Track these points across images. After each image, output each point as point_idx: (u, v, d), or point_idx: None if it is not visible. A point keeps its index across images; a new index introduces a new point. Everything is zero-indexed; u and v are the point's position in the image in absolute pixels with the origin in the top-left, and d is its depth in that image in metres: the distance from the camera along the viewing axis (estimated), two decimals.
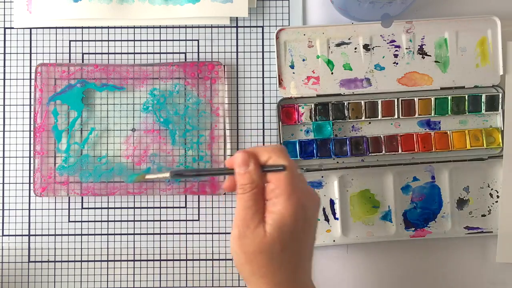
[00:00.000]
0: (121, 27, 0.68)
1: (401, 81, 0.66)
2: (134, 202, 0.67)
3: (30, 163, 0.67)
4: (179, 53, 0.67)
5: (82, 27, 0.68)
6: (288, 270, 0.52)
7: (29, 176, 0.67)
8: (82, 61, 0.68)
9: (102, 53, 0.67)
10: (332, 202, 0.66)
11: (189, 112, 0.67)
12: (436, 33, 0.66)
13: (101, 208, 0.67)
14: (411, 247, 0.67)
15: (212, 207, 0.67)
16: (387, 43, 0.66)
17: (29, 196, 0.67)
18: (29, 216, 0.67)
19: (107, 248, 0.67)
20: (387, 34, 0.66)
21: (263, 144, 0.67)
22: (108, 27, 0.68)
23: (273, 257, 0.51)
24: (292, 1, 0.68)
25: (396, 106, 0.66)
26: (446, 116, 0.66)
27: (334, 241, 0.66)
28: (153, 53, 0.67)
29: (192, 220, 0.67)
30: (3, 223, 0.66)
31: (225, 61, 0.67)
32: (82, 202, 0.67)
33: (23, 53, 0.67)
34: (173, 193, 0.66)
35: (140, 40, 0.68)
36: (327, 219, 0.66)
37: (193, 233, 0.67)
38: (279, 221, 0.50)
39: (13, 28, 0.67)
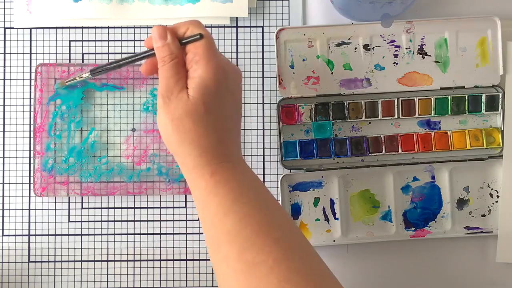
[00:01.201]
0: (121, 27, 0.68)
1: (401, 81, 0.66)
2: (134, 202, 0.67)
3: (30, 163, 0.67)
4: None
5: (82, 27, 0.68)
6: (214, 134, 0.53)
7: (29, 176, 0.67)
8: (82, 61, 0.68)
9: (102, 53, 0.67)
10: (332, 202, 0.66)
11: None
12: (436, 33, 0.66)
13: (101, 208, 0.67)
14: (411, 247, 0.67)
15: None
16: (387, 43, 0.66)
17: (29, 196, 0.67)
18: (29, 216, 0.67)
19: (107, 248, 0.67)
20: (387, 34, 0.66)
21: (263, 145, 0.67)
22: (108, 27, 0.68)
23: (199, 119, 0.52)
24: (292, 1, 0.68)
25: (396, 106, 0.66)
26: (446, 116, 0.66)
27: (334, 241, 0.66)
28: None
29: (192, 220, 0.67)
30: (3, 223, 0.66)
31: None
32: (82, 202, 0.67)
33: (23, 53, 0.67)
34: (173, 193, 0.66)
35: (140, 40, 0.68)
36: (327, 219, 0.66)
37: (193, 233, 0.67)
38: (201, 83, 0.52)
39: (13, 28, 0.67)
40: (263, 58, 0.67)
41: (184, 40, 0.53)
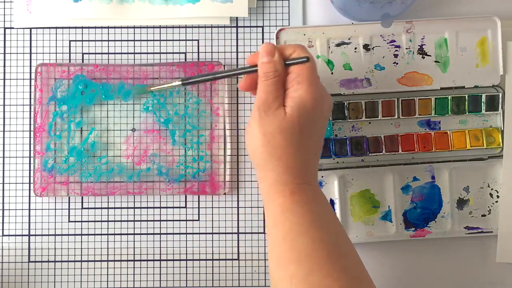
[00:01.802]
0: (121, 27, 0.68)
1: (401, 81, 0.66)
2: (134, 202, 0.67)
3: (30, 163, 0.67)
4: (179, 53, 0.67)
5: (82, 27, 0.68)
6: (302, 155, 0.54)
7: (29, 176, 0.67)
8: (82, 61, 0.68)
9: (102, 53, 0.68)
10: (332, 202, 0.66)
11: (189, 112, 0.67)
12: (436, 33, 0.66)
13: (101, 208, 0.67)
14: (411, 247, 0.67)
15: (212, 207, 0.67)
16: (387, 43, 0.66)
17: (29, 196, 0.67)
18: (29, 216, 0.67)
19: (107, 248, 0.67)
20: (387, 34, 0.66)
21: None
22: (108, 27, 0.68)
23: (292, 138, 0.53)
24: (292, 1, 0.68)
25: (396, 106, 0.66)
26: (446, 116, 0.66)
27: None
28: (153, 53, 0.67)
29: (192, 220, 0.67)
30: (3, 223, 0.66)
31: (225, 61, 0.67)
32: (82, 202, 0.67)
33: (23, 53, 0.67)
34: (173, 193, 0.66)
35: (140, 40, 0.68)
36: None
37: (193, 233, 0.67)
38: (300, 103, 0.53)
39: (13, 28, 0.67)
40: None
41: (290, 61, 0.55)
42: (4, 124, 0.67)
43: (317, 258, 0.51)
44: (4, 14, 0.68)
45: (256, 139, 0.54)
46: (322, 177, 0.66)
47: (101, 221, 0.67)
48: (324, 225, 0.53)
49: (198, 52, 0.67)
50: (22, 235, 0.66)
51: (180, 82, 0.60)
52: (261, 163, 0.54)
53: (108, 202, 0.67)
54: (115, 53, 0.67)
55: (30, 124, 0.67)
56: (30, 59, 0.67)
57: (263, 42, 0.67)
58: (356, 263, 0.53)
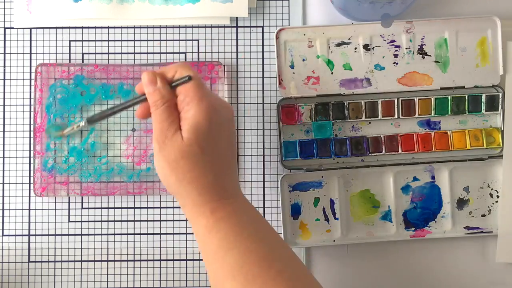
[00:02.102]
0: (121, 27, 0.68)
1: (401, 81, 0.66)
2: (134, 202, 0.67)
3: (30, 163, 0.67)
4: (179, 53, 0.67)
5: (82, 27, 0.68)
6: (212, 173, 0.53)
7: (29, 176, 0.67)
8: (82, 61, 0.68)
9: (102, 53, 0.67)
10: (332, 202, 0.66)
11: None
12: (436, 33, 0.66)
13: (101, 208, 0.67)
14: (411, 247, 0.67)
15: None
16: (387, 43, 0.66)
17: (29, 196, 0.67)
18: (29, 216, 0.67)
19: (107, 248, 0.67)
20: (387, 34, 0.66)
21: (263, 145, 0.67)
22: (108, 27, 0.68)
23: (195, 159, 0.53)
24: (292, 1, 0.68)
25: (396, 106, 0.66)
26: (446, 116, 0.66)
27: (334, 241, 0.66)
28: (153, 53, 0.67)
29: None
30: (3, 223, 0.66)
31: (225, 61, 0.67)
32: (82, 202, 0.67)
33: (23, 53, 0.67)
34: None
35: (140, 40, 0.68)
36: (327, 219, 0.66)
37: (193, 233, 0.67)
38: (194, 124, 0.53)
39: (13, 28, 0.67)
40: (263, 58, 0.67)
41: (174, 83, 0.54)
42: (4, 124, 0.67)
43: (249, 270, 0.51)
44: (4, 14, 0.68)
45: (163, 169, 0.53)
46: (322, 177, 0.66)
47: (101, 221, 0.67)
48: (252, 235, 0.53)
49: (198, 52, 0.67)
50: (22, 235, 0.66)
51: (85, 123, 0.58)
52: (176, 191, 0.54)
53: (108, 202, 0.67)
54: (115, 53, 0.67)
55: (30, 124, 0.67)
56: (30, 59, 0.67)
57: (263, 42, 0.67)
58: (295, 266, 0.53)
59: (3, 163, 0.67)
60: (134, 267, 0.66)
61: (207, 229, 0.53)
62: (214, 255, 0.53)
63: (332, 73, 0.66)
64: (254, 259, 0.51)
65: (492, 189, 0.67)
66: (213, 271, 0.53)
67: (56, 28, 0.67)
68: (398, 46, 0.66)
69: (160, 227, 0.67)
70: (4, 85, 0.67)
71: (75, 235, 0.67)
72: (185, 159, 0.53)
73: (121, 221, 0.67)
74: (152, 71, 0.55)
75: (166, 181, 0.54)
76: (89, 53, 0.67)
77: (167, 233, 0.67)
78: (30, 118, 0.67)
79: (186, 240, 0.67)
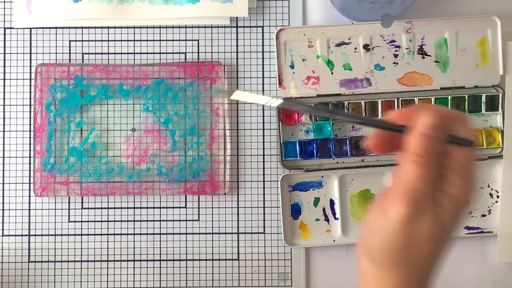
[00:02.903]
0: (121, 27, 0.68)
1: (401, 81, 0.66)
2: (134, 202, 0.67)
3: (30, 163, 0.67)
4: (179, 53, 0.67)
5: (82, 27, 0.68)
6: (434, 265, 0.43)
7: (29, 176, 0.67)
8: (82, 61, 0.68)
9: (102, 53, 0.67)
10: (332, 202, 0.66)
11: (189, 112, 0.67)
12: (436, 33, 0.66)
13: (101, 208, 0.67)
14: None
15: (212, 207, 0.67)
16: (387, 43, 0.66)
17: (29, 196, 0.67)
18: (29, 216, 0.67)
19: (107, 248, 0.67)
20: (387, 34, 0.66)
21: (263, 145, 0.67)
22: (108, 27, 0.68)
23: (439, 248, 0.43)
24: (292, 1, 0.68)
25: (396, 106, 0.66)
26: None
27: (334, 241, 0.66)
28: (153, 53, 0.67)
29: (192, 220, 0.67)
30: (3, 223, 0.66)
31: (225, 61, 0.67)
32: (82, 202, 0.67)
33: (23, 53, 0.67)
34: (173, 193, 0.66)
35: (140, 40, 0.68)
36: (327, 219, 0.66)
37: (193, 233, 0.67)
38: (459, 208, 0.42)
39: (13, 28, 0.67)
40: (263, 58, 0.67)
41: (453, 139, 0.42)
42: (4, 124, 0.67)
43: None
44: (4, 14, 0.68)
45: (394, 240, 0.42)
46: (322, 177, 0.66)
47: (101, 221, 0.67)
48: None
49: (198, 52, 0.67)
50: (22, 235, 0.66)
51: (280, 101, 0.46)
52: (389, 268, 0.43)
53: (108, 202, 0.67)
54: (115, 53, 0.67)
55: (30, 124, 0.67)
56: (30, 59, 0.67)
57: (263, 42, 0.67)
58: None
59: (3, 163, 0.67)
60: (134, 267, 0.66)
61: None
62: None
63: (332, 73, 0.66)
64: None
65: (492, 189, 0.67)
66: None
67: (56, 28, 0.67)
68: (398, 46, 0.66)
69: (160, 227, 0.67)
70: (4, 85, 0.67)
71: (75, 235, 0.67)
72: (430, 243, 0.42)
73: (121, 221, 0.67)
74: (437, 110, 0.42)
75: (382, 250, 0.42)
76: (89, 53, 0.67)
77: (167, 233, 0.67)
78: (30, 118, 0.67)
79: (186, 240, 0.67)
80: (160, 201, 0.67)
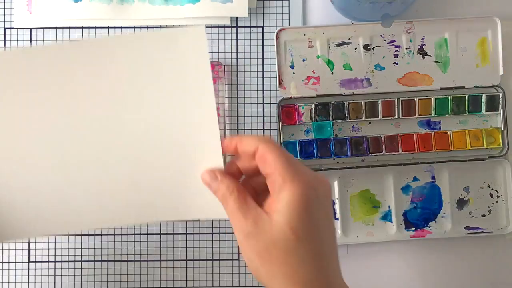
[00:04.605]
0: (121, 27, 0.68)
1: (401, 81, 0.66)
2: None
3: None
4: None
5: (82, 27, 0.68)
6: (313, 264, 0.45)
7: None
8: None
9: None
10: (332, 202, 0.66)
11: None
12: (436, 33, 0.66)
13: None
14: (411, 247, 0.67)
15: None
16: (387, 43, 0.66)
17: None
18: None
19: (107, 248, 0.67)
20: (387, 34, 0.66)
21: None
22: (108, 27, 0.68)
23: (291, 248, 0.45)
24: (292, 1, 0.68)
25: (396, 106, 0.66)
26: (446, 116, 0.66)
27: None
28: None
29: (192, 220, 0.67)
30: None
31: (225, 61, 0.67)
32: None
33: None
34: None
35: None
36: None
37: (193, 233, 0.67)
38: (287, 206, 0.45)
39: (13, 28, 0.67)
40: (263, 58, 0.67)
41: None
42: None
43: None
44: (4, 14, 0.68)
45: (253, 262, 0.47)
46: None
47: None
48: None
49: None
50: None
51: None
52: (270, 284, 0.46)
53: None
54: None
55: None
56: None
57: (263, 42, 0.67)
58: None
59: None
60: (134, 267, 0.66)
61: None
62: None
63: (332, 73, 0.66)
64: None
65: (492, 189, 0.67)
66: None
67: (56, 28, 0.68)
68: (398, 46, 0.66)
69: (160, 227, 0.67)
70: None
71: (75, 235, 0.67)
72: (277, 246, 0.45)
73: None
74: (211, 171, 0.50)
75: (256, 273, 0.46)
76: None
77: (167, 233, 0.67)
78: None
79: (186, 240, 0.67)
80: None
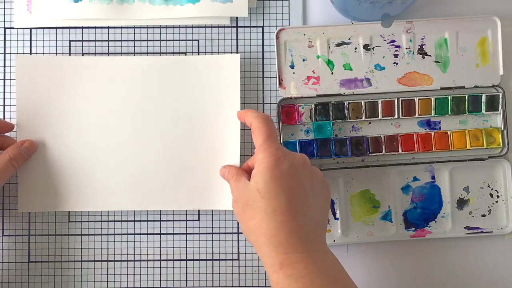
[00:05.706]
0: (121, 27, 0.68)
1: (401, 81, 0.66)
2: None
3: None
4: (179, 53, 0.67)
5: (82, 27, 0.68)
6: (273, 220, 0.53)
7: None
8: None
9: (102, 53, 0.67)
10: (332, 202, 0.66)
11: None
12: (436, 33, 0.66)
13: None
14: (411, 247, 0.67)
15: None
16: (387, 43, 0.66)
17: None
18: (29, 216, 0.66)
19: (107, 248, 0.67)
20: (387, 34, 0.66)
21: None
22: (108, 27, 0.68)
23: (255, 205, 0.54)
24: (292, 1, 0.68)
25: (396, 106, 0.66)
26: (446, 116, 0.66)
27: (334, 241, 0.66)
28: (153, 53, 0.67)
29: (192, 220, 0.67)
30: (3, 223, 0.66)
31: None
32: None
33: (23, 53, 0.67)
34: None
35: (140, 40, 0.68)
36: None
37: (193, 233, 0.67)
38: (257, 171, 0.55)
39: (13, 28, 0.67)
40: (263, 58, 0.67)
41: None
42: None
43: None
44: (4, 14, 0.68)
45: (237, 217, 0.58)
46: None
47: (101, 221, 0.67)
48: None
49: (198, 52, 0.67)
50: (22, 235, 0.66)
51: None
52: (248, 239, 0.56)
53: None
54: (115, 53, 0.67)
55: None
56: None
57: (263, 42, 0.67)
58: None
59: None
60: (134, 267, 0.66)
61: (278, 285, 0.51)
62: None
63: (332, 73, 0.66)
64: None
65: (492, 189, 0.67)
66: None
67: (56, 28, 0.68)
68: (398, 46, 0.66)
69: (160, 227, 0.67)
70: (4, 85, 0.67)
71: (75, 235, 0.67)
72: (248, 206, 0.54)
73: (121, 221, 0.67)
74: (228, 167, 0.61)
75: (244, 233, 0.56)
76: (89, 53, 0.67)
77: (167, 233, 0.67)
78: None
79: (186, 240, 0.67)
80: None
